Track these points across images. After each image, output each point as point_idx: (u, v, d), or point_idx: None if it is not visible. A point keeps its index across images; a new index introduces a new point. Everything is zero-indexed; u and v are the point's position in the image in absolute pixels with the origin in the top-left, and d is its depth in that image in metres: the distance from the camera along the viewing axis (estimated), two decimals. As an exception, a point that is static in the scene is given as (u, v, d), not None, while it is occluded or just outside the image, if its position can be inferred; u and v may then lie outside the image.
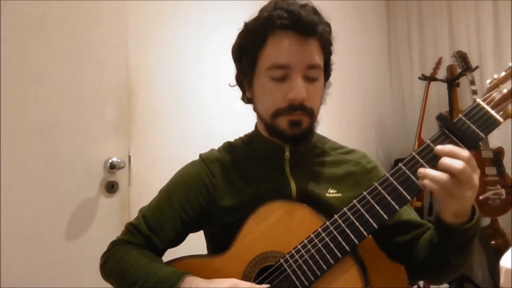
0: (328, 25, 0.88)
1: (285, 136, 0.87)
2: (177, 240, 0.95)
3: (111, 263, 0.91)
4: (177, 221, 0.92)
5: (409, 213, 0.91)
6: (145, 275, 0.83)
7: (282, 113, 0.85)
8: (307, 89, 0.83)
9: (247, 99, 0.96)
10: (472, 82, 2.50)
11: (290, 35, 0.82)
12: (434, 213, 0.80)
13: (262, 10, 0.87)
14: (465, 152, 0.70)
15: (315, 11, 0.85)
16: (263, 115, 0.90)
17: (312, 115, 0.87)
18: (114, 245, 0.93)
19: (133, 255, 0.88)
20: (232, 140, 1.02)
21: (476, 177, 0.70)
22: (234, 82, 0.97)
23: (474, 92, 2.46)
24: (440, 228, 0.78)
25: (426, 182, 0.71)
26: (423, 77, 2.73)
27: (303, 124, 0.86)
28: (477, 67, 2.56)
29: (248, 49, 0.88)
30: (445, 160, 0.69)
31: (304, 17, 0.81)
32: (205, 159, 0.97)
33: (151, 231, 0.91)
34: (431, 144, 0.74)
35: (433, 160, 0.72)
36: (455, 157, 0.69)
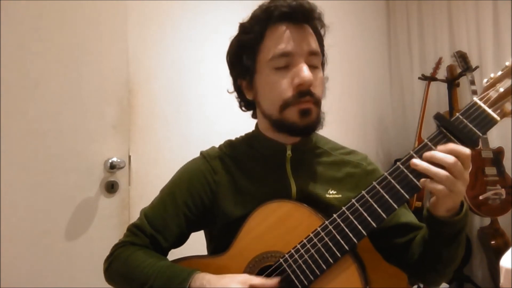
0: (321, 14, 0.89)
1: (296, 129, 0.85)
2: (181, 238, 0.94)
3: (116, 266, 0.90)
4: (181, 218, 0.91)
5: (407, 216, 0.92)
6: (153, 274, 0.82)
7: (291, 103, 0.83)
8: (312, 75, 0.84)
9: (247, 105, 0.96)
10: (472, 82, 2.50)
11: (287, 24, 0.85)
12: (424, 209, 0.80)
13: (256, 10, 0.89)
14: (465, 149, 0.71)
15: (307, 2, 0.87)
16: (269, 111, 0.88)
17: (318, 104, 0.86)
18: (117, 247, 0.92)
19: (139, 255, 0.87)
20: (232, 138, 1.02)
21: (466, 172, 0.72)
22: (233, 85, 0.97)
23: (474, 92, 2.46)
24: (430, 222, 0.79)
25: (425, 182, 0.72)
26: (423, 77, 2.73)
27: (312, 113, 0.85)
28: (477, 67, 2.56)
29: (247, 46, 0.89)
30: (439, 154, 0.71)
31: (301, 4, 0.85)
32: (206, 156, 0.96)
33: (155, 230, 0.90)
34: (429, 143, 0.75)
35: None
36: (455, 154, 0.71)
